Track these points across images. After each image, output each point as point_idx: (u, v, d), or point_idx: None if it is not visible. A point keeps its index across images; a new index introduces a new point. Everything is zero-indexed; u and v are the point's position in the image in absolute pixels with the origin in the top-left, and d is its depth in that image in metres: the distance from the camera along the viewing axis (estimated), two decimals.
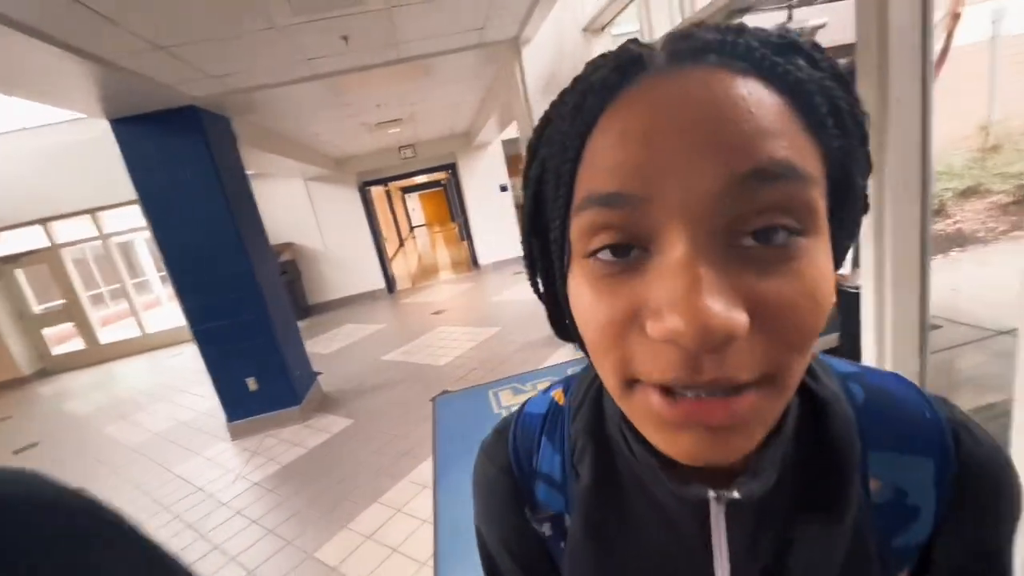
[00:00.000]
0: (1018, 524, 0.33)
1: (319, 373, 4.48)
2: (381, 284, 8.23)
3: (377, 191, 12.72)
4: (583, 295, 0.26)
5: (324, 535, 2.31)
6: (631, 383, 0.25)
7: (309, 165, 6.24)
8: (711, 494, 0.30)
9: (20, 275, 7.29)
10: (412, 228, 26.07)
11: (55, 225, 7.15)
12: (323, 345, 5.82)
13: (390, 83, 3.84)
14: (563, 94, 0.27)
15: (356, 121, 5.02)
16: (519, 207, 0.35)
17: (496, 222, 8.48)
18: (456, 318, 5.82)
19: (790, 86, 0.23)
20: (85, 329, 7.58)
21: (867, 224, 1.36)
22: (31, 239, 7.14)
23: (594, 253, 0.25)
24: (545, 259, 0.31)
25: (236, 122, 3.73)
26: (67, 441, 4.40)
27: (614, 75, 0.24)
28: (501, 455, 0.41)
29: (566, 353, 3.86)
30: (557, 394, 0.41)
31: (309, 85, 3.40)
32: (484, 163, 8.30)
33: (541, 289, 0.33)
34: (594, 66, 0.25)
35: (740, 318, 0.21)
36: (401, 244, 17.38)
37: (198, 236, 3.28)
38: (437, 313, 6.28)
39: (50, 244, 7.18)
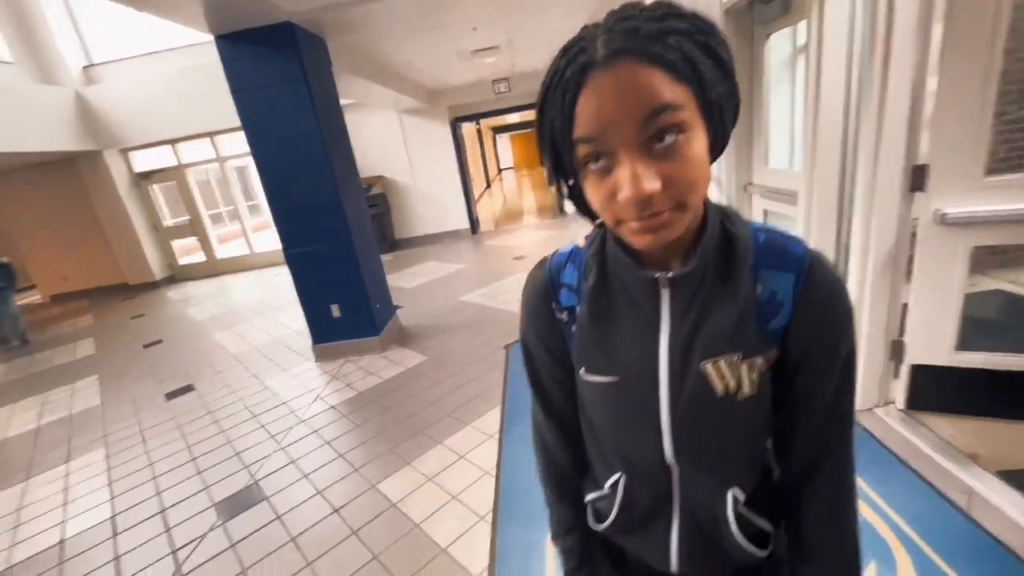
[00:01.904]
0: (850, 331, 0.53)
1: (399, 307, 4.55)
2: (465, 224, 8.19)
3: (468, 129, 12.51)
4: (591, 188, 0.48)
5: (388, 468, 2.32)
6: (619, 222, 0.48)
7: (403, 95, 6.13)
8: (657, 274, 0.53)
9: (154, 191, 8.15)
10: (500, 170, 25.81)
11: (181, 146, 7.82)
12: (406, 280, 5.93)
13: (489, 2, 3.49)
14: (552, 75, 0.46)
15: (452, 47, 4.74)
16: (539, 139, 0.51)
17: None
18: None
19: (665, 64, 0.42)
20: (205, 244, 8.43)
21: None
22: (162, 158, 7.90)
23: (586, 164, 0.47)
24: (561, 172, 0.51)
25: (331, 45, 3.62)
26: (185, 342, 4.94)
27: (579, 74, 0.43)
28: (540, 275, 0.64)
29: None
30: (580, 241, 0.63)
31: (405, 2, 3.16)
32: None
33: (564, 191, 0.53)
34: (564, 62, 0.45)
35: (656, 186, 0.43)
36: (488, 186, 17.26)
37: (291, 160, 3.30)
38: (518, 258, 6.11)
39: (177, 164, 7.91)
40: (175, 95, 7.07)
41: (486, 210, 11.25)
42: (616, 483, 0.62)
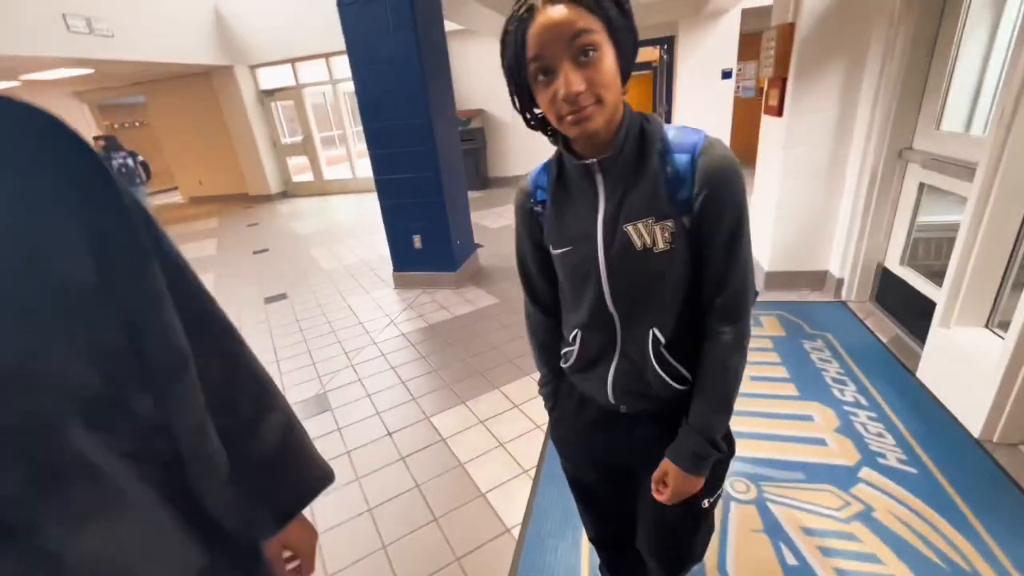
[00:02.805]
0: (738, 197, 0.69)
1: (480, 246, 4.51)
2: None
3: None
4: (540, 95, 0.66)
5: (443, 404, 2.34)
6: (560, 119, 0.65)
7: None
8: (591, 160, 0.72)
9: (276, 108, 8.70)
10: None
11: (300, 66, 8.18)
12: (491, 219, 5.87)
13: None
14: (508, 23, 0.65)
15: None
16: (506, 75, 0.69)
17: (707, 117, 7.12)
18: None
19: (582, 4, 0.61)
20: (315, 164, 8.96)
21: None
22: (283, 77, 8.34)
23: (536, 78, 0.65)
24: (521, 90, 0.69)
25: None
26: (286, 253, 5.36)
27: (527, 14, 0.62)
28: (524, 182, 0.85)
29: None
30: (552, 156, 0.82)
31: None
32: (710, 39, 6.78)
33: (518, 107, 0.73)
34: (518, 7, 0.63)
35: (582, 86, 0.62)
36: None
37: (388, 81, 3.24)
38: None
39: (295, 83, 8.31)
40: (298, 12, 7.30)
41: None
42: (576, 335, 0.83)
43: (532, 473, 1.86)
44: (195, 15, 7.26)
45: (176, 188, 10.27)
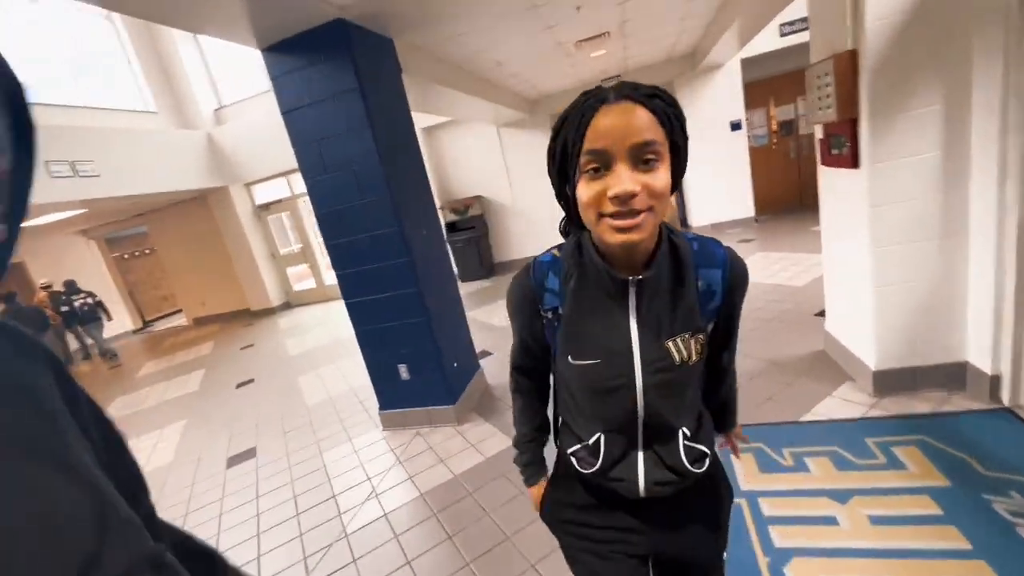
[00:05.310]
0: (743, 298, 0.80)
1: (488, 354, 3.75)
2: None
3: None
4: (584, 188, 0.66)
5: None
6: (600, 218, 0.66)
7: (500, 106, 5.43)
8: (628, 277, 0.72)
9: (271, 221, 8.49)
10: None
11: (293, 177, 8.03)
12: (500, 315, 5.15)
13: None
14: (572, 107, 0.67)
15: (550, 39, 3.89)
16: (551, 156, 0.72)
17: (720, 171, 6.56)
18: None
19: (652, 109, 0.63)
20: (315, 271, 8.57)
21: None
22: (278, 190, 8.19)
23: (587, 171, 0.65)
24: (562, 181, 0.71)
25: (401, 46, 2.98)
26: (271, 384, 4.67)
27: (595, 104, 0.64)
28: (528, 283, 0.82)
29: (837, 405, 2.27)
30: (554, 251, 0.82)
31: None
32: (710, 93, 6.37)
33: (555, 187, 0.75)
34: (585, 98, 0.66)
35: (637, 188, 0.62)
36: None
37: (346, 191, 2.67)
38: None
39: (290, 194, 8.13)
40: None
41: None
42: (598, 439, 0.82)
43: None
44: (190, 144, 7.24)
45: (180, 311, 10.00)
